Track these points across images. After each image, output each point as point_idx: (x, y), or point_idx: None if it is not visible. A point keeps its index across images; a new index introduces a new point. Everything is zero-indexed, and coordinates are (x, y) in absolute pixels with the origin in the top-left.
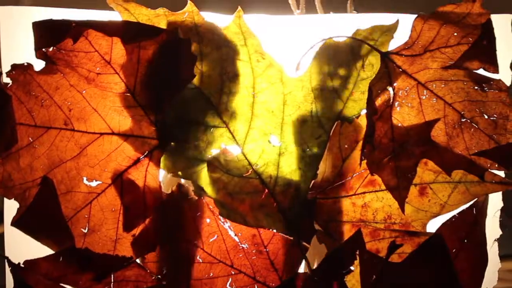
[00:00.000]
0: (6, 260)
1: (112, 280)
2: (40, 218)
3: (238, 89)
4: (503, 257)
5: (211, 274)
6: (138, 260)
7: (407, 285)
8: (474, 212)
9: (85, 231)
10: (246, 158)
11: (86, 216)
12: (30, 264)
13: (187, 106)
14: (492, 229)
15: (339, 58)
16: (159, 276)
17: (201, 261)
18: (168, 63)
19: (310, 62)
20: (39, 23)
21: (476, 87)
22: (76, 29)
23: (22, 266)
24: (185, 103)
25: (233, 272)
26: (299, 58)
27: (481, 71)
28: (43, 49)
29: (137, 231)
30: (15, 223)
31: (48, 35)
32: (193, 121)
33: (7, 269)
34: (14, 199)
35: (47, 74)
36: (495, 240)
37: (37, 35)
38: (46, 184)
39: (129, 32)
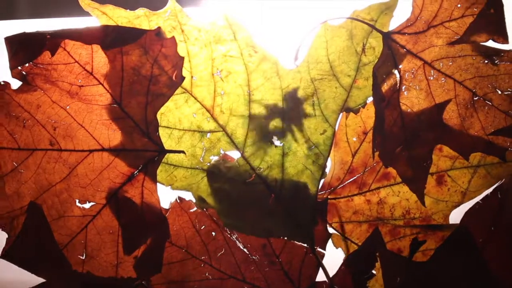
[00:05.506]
0: None
1: None
2: (31, 248)
3: (233, 88)
4: None
5: None
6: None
7: (435, 283)
8: (499, 196)
9: (83, 258)
10: (248, 162)
11: (82, 241)
12: None
13: (179, 113)
14: None
15: (337, 43)
16: None
17: (210, 278)
18: (154, 67)
19: (307, 50)
20: (13, 38)
21: (486, 61)
22: (52, 41)
23: None
24: (177, 110)
25: (246, 287)
26: (296, 47)
27: (490, 43)
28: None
29: (139, 252)
30: (4, 255)
31: (23, 50)
32: (187, 128)
33: None
34: (2, 230)
35: (26, 92)
36: None
37: (10, 51)
38: (34, 211)
39: (108, 37)
